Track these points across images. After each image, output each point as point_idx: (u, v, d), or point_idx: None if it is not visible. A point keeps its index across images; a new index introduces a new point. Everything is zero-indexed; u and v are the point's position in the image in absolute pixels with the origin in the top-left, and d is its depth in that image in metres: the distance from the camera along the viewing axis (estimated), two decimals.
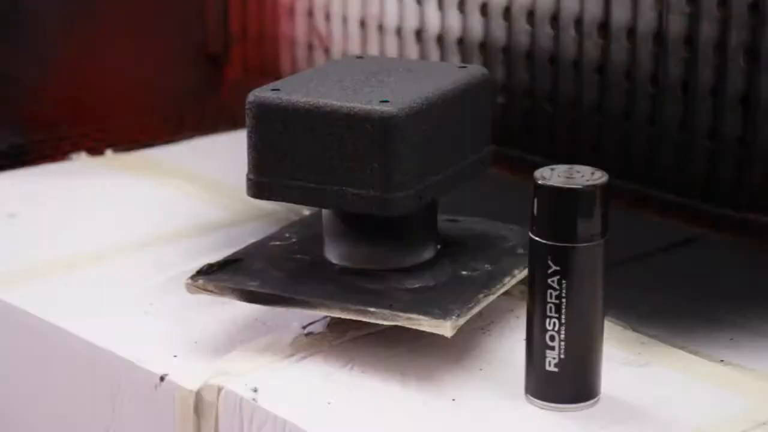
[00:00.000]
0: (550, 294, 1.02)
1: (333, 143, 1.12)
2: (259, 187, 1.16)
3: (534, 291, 1.03)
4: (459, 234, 1.27)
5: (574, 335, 1.03)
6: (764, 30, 1.40)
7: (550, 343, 1.03)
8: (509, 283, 1.18)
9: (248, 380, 1.10)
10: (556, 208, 1.01)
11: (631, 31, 1.52)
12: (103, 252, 1.38)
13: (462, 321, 1.10)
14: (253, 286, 1.16)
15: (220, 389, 1.10)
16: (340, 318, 1.14)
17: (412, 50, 1.78)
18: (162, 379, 1.13)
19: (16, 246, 1.41)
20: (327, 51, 1.92)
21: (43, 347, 1.24)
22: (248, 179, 1.16)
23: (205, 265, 1.20)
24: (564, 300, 1.02)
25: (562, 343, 1.03)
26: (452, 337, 1.09)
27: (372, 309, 1.10)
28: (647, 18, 1.50)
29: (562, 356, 1.03)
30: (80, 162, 1.73)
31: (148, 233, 1.43)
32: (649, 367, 1.13)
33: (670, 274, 1.35)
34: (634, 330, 1.19)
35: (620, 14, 1.53)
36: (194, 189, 1.58)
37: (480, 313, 1.15)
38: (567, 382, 1.05)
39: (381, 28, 1.82)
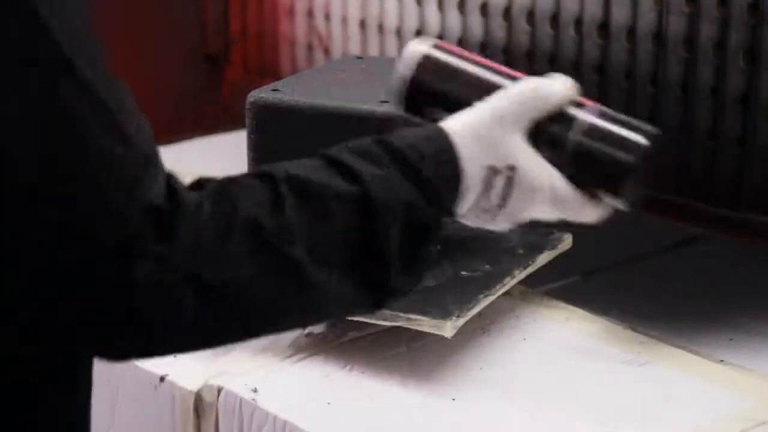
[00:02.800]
0: None
1: (333, 143, 1.12)
2: None
3: None
4: (459, 234, 1.27)
5: None
6: (764, 30, 1.39)
7: None
8: (509, 283, 1.18)
9: (248, 380, 1.10)
10: None
11: (631, 31, 1.52)
12: None
13: (462, 321, 1.10)
14: None
15: (220, 389, 1.10)
16: None
17: None
18: (162, 379, 1.13)
19: None
20: (327, 51, 1.92)
21: None
22: None
23: None
24: None
25: None
26: (452, 337, 1.09)
27: None
28: (647, 18, 1.50)
29: None
30: None
31: None
32: (648, 366, 1.13)
33: (671, 274, 1.35)
34: (634, 330, 1.19)
35: (620, 14, 1.53)
36: None
37: (480, 313, 1.15)
38: None
39: (381, 28, 1.82)
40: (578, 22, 1.57)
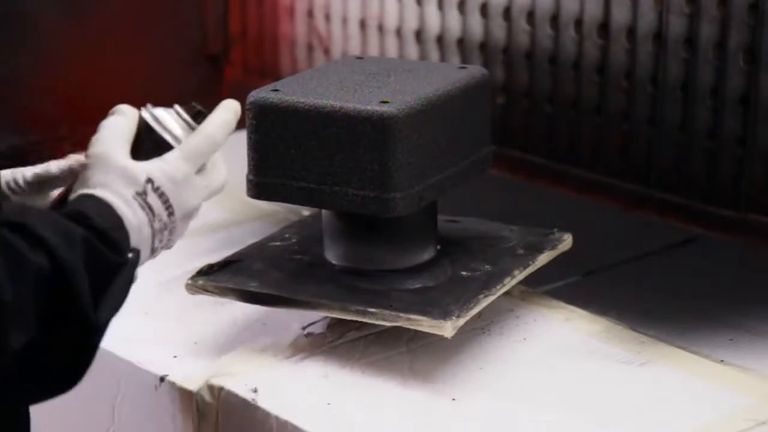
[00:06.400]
0: None
1: (333, 144, 1.12)
2: (259, 188, 1.16)
3: None
4: (459, 234, 1.27)
5: None
6: (764, 30, 1.40)
7: None
8: (509, 283, 1.18)
9: (248, 380, 1.10)
10: None
11: (631, 32, 1.52)
12: None
13: (462, 321, 1.10)
14: (253, 286, 1.16)
15: (220, 389, 1.10)
16: (339, 318, 1.14)
17: (412, 51, 1.78)
18: (162, 379, 1.13)
19: None
20: (327, 51, 1.92)
21: None
22: (248, 180, 1.16)
23: (205, 266, 1.20)
24: None
25: None
26: (452, 337, 1.09)
27: (372, 309, 1.10)
28: (647, 18, 1.50)
29: None
30: None
31: None
32: (648, 366, 1.13)
33: (670, 274, 1.35)
34: (634, 330, 1.19)
35: (620, 14, 1.53)
36: None
37: (480, 313, 1.15)
38: None
39: (381, 28, 1.82)
40: (578, 22, 1.58)
